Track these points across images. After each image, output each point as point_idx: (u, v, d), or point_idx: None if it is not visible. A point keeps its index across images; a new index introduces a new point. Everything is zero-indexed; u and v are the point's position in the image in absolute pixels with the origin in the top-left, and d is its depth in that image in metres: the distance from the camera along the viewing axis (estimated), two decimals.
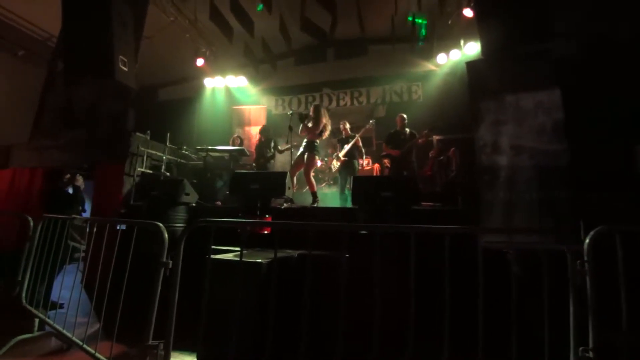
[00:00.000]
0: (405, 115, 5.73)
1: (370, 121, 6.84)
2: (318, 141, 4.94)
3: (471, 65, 3.49)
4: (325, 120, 4.98)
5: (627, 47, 2.82)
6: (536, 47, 3.12)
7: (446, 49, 7.14)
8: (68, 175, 4.41)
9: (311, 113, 5.05)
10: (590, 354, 1.50)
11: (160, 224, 2.26)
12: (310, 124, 4.93)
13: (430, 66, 7.63)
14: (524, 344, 1.61)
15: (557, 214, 2.76)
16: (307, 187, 5.03)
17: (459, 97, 6.24)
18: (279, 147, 6.16)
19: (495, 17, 3.38)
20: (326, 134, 5.02)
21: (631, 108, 2.72)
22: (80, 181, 4.51)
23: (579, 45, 2.96)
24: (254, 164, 6.47)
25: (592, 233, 1.62)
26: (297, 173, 5.11)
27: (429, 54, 7.46)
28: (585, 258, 1.58)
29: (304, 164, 4.89)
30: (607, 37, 2.89)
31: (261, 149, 6.26)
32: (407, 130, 5.61)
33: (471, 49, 6.65)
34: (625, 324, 1.54)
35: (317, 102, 7.20)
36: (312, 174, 4.98)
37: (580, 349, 1.52)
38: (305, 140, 4.95)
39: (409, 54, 7.71)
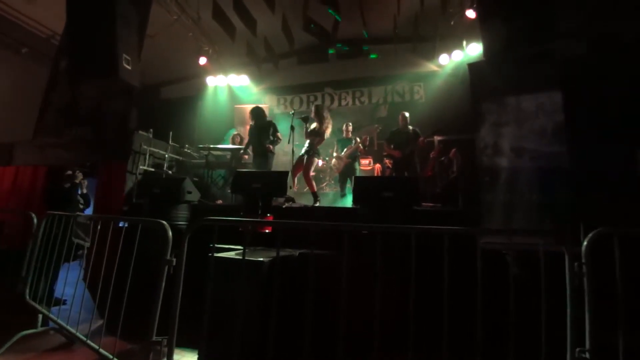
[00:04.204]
0: (407, 114, 5.70)
1: (376, 125, 6.84)
2: (316, 142, 4.91)
3: (473, 66, 3.50)
4: (328, 120, 4.98)
5: (630, 47, 2.82)
6: (538, 48, 3.12)
7: (448, 49, 7.15)
8: (69, 172, 4.45)
9: (313, 115, 5.02)
10: (587, 355, 1.52)
11: (165, 222, 2.28)
12: (315, 127, 4.91)
13: (432, 67, 7.64)
14: (521, 344, 1.63)
15: (557, 215, 2.77)
16: (307, 187, 5.04)
17: (460, 98, 6.24)
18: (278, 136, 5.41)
19: (497, 19, 3.38)
20: (328, 131, 4.99)
21: (634, 110, 2.72)
22: (80, 178, 4.55)
23: (581, 46, 2.96)
24: (247, 157, 5.91)
25: (590, 235, 1.64)
26: (298, 174, 5.10)
27: (431, 55, 7.46)
28: (583, 260, 1.60)
29: (303, 167, 4.89)
30: (611, 38, 2.88)
31: (256, 136, 5.43)
32: (410, 128, 5.58)
33: (473, 50, 6.65)
34: (622, 325, 1.56)
35: (317, 103, 7.11)
36: (312, 174, 4.99)
37: (577, 349, 1.54)
38: (308, 141, 4.93)
39: (411, 54, 7.71)
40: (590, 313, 1.55)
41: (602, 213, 2.50)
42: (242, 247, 2.31)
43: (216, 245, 2.21)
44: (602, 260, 1.61)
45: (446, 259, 1.74)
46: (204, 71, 8.50)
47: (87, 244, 2.87)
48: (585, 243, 1.63)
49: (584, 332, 1.56)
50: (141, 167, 5.20)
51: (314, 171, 5.23)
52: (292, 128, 5.05)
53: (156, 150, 5.65)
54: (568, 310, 1.60)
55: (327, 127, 4.93)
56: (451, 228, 1.87)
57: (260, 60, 7.98)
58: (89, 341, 2.48)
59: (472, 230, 2.53)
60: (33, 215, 3.30)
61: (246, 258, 2.21)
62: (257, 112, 5.53)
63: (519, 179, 2.98)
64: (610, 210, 2.50)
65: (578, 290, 1.60)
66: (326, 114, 5.03)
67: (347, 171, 5.85)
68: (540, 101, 3.05)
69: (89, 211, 4.84)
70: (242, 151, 5.91)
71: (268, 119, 5.72)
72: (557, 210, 2.78)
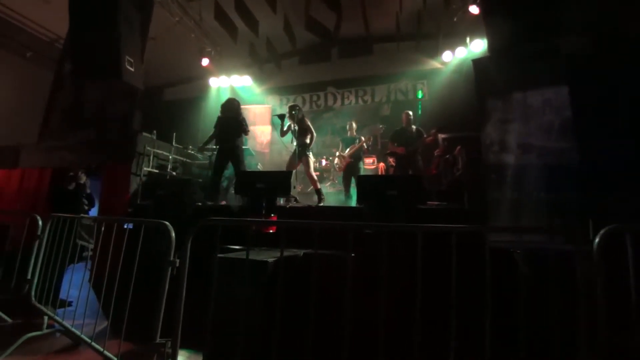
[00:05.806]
0: (411, 112, 5.67)
1: (380, 125, 6.86)
2: (308, 141, 4.95)
3: (477, 62, 3.45)
4: (306, 121, 5.06)
5: (636, 43, 2.77)
6: (544, 44, 3.07)
7: (452, 46, 7.09)
8: (71, 173, 4.47)
9: (289, 115, 5.01)
10: (599, 356, 1.48)
11: (168, 223, 2.27)
12: (300, 126, 4.96)
13: (435, 64, 7.58)
14: (531, 344, 1.59)
15: (566, 213, 2.72)
16: (311, 186, 5.05)
17: (465, 95, 6.19)
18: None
19: (501, 14, 3.34)
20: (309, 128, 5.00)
21: None
22: (83, 179, 4.57)
23: (587, 41, 2.91)
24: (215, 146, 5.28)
25: (601, 232, 1.59)
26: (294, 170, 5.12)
27: (435, 52, 7.40)
28: (594, 258, 1.56)
29: (297, 165, 4.96)
30: (617, 34, 2.84)
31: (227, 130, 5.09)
32: (414, 127, 5.56)
33: (477, 46, 6.59)
34: (635, 325, 1.52)
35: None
36: (316, 173, 5.00)
37: (588, 350, 1.50)
38: (296, 142, 4.96)
39: (414, 52, 7.65)
40: (602, 313, 1.51)
41: (611, 210, 2.45)
42: (245, 248, 2.30)
43: (220, 246, 2.19)
44: (613, 259, 1.57)
45: (454, 258, 1.71)
46: (206, 72, 8.53)
47: (91, 245, 2.87)
48: (597, 240, 1.58)
49: (595, 333, 1.52)
50: (145, 168, 5.21)
51: (317, 170, 5.22)
52: (294, 128, 5.04)
53: (160, 151, 5.66)
54: (579, 310, 1.56)
55: (308, 127, 5.01)
56: (459, 226, 1.83)
57: (262, 60, 7.97)
58: (93, 343, 2.48)
59: (480, 228, 2.49)
60: (38, 217, 3.32)
61: (250, 258, 2.19)
62: (237, 105, 5.33)
63: (526, 176, 2.93)
64: (619, 207, 2.45)
65: (588, 289, 1.56)
66: (303, 116, 5.12)
67: (351, 170, 5.83)
68: (547, 97, 3.01)
69: (93, 212, 4.86)
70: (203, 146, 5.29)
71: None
72: (566, 207, 2.73)
